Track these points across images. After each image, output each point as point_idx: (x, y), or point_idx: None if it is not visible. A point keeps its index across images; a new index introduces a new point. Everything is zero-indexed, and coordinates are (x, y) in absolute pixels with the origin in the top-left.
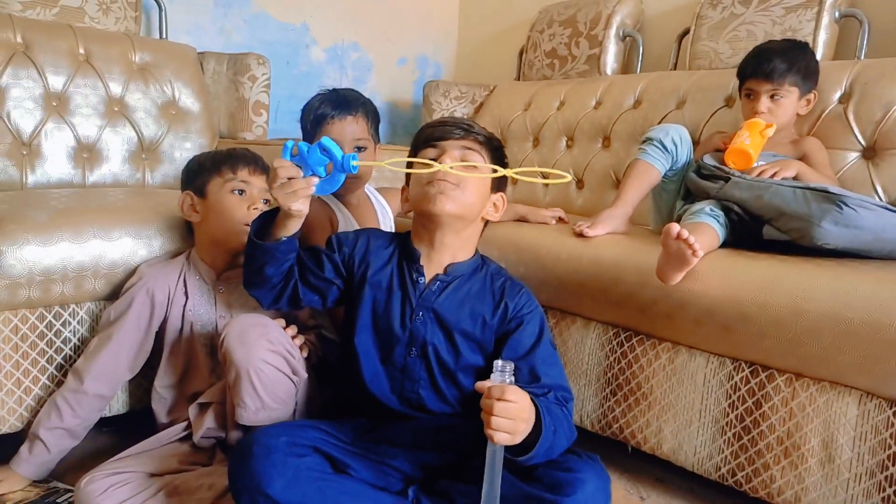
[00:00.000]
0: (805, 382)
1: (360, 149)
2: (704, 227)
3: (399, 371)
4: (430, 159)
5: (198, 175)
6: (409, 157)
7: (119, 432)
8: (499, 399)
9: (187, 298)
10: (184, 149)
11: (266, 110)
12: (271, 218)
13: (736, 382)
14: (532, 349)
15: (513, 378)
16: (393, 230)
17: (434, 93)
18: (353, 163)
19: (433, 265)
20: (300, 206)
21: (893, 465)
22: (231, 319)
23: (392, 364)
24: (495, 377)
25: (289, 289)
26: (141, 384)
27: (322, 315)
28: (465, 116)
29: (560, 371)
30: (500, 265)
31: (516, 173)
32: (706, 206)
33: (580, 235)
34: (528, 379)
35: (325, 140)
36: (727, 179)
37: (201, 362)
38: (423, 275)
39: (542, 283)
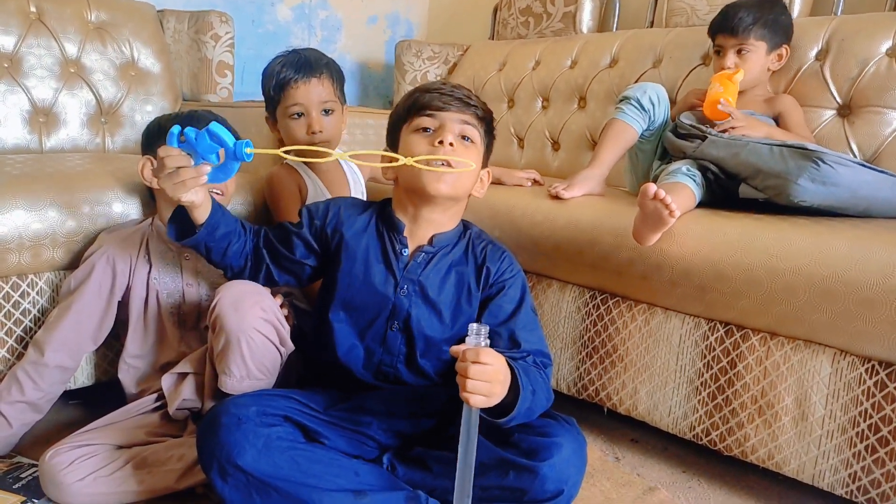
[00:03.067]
0: (779, 341)
1: (327, 111)
2: (681, 188)
3: (378, 344)
4: (426, 129)
5: (158, 138)
6: (393, 120)
7: (85, 405)
8: (474, 362)
9: (151, 266)
10: (145, 112)
11: (231, 71)
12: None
13: (711, 343)
14: (512, 315)
15: (488, 341)
16: (364, 196)
17: (406, 53)
18: (248, 150)
19: (416, 237)
20: (191, 198)
21: (864, 421)
22: (224, 284)
23: (371, 337)
24: (470, 340)
25: (262, 272)
26: (107, 355)
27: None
28: (439, 78)
29: (539, 336)
30: (480, 229)
31: (416, 161)
32: (682, 165)
33: (556, 197)
34: (507, 345)
35: (213, 125)
36: (704, 138)
37: (169, 332)
38: (406, 246)
39: (517, 246)
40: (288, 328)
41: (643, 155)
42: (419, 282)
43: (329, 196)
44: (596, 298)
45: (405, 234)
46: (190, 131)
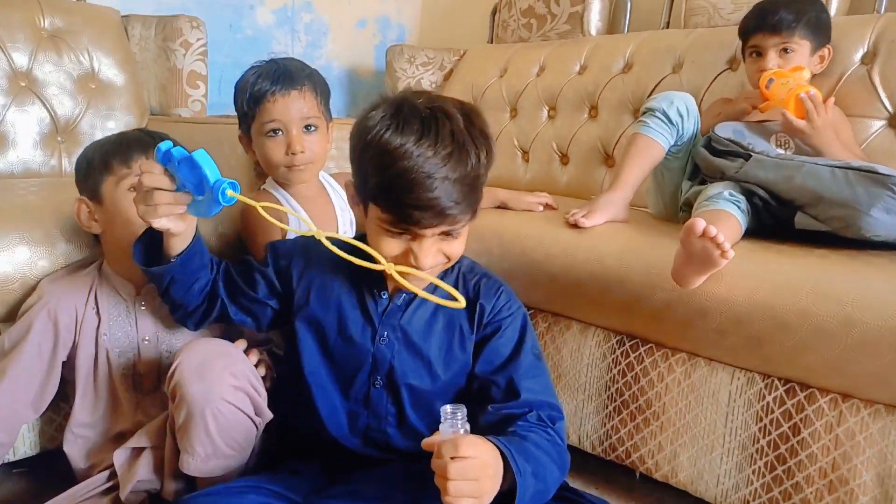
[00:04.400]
0: (854, 405)
1: (310, 128)
2: (725, 217)
3: (361, 405)
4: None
5: (88, 176)
6: (359, 181)
7: (31, 474)
8: (453, 458)
9: (100, 320)
10: (107, 129)
11: (204, 82)
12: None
13: (768, 403)
14: (510, 359)
15: (467, 426)
16: (353, 224)
17: (398, 59)
18: (230, 193)
19: None
20: (165, 224)
21: None
22: (186, 344)
23: (352, 397)
24: (444, 429)
25: (215, 311)
26: (53, 420)
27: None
28: (433, 86)
29: (545, 384)
30: (473, 261)
31: (398, 271)
32: (724, 189)
33: (574, 226)
34: (504, 396)
35: (198, 154)
36: (748, 157)
37: (122, 398)
38: (385, 287)
39: (531, 281)
40: (265, 395)
41: (670, 174)
42: (401, 327)
43: (313, 226)
44: (625, 344)
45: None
46: (177, 152)
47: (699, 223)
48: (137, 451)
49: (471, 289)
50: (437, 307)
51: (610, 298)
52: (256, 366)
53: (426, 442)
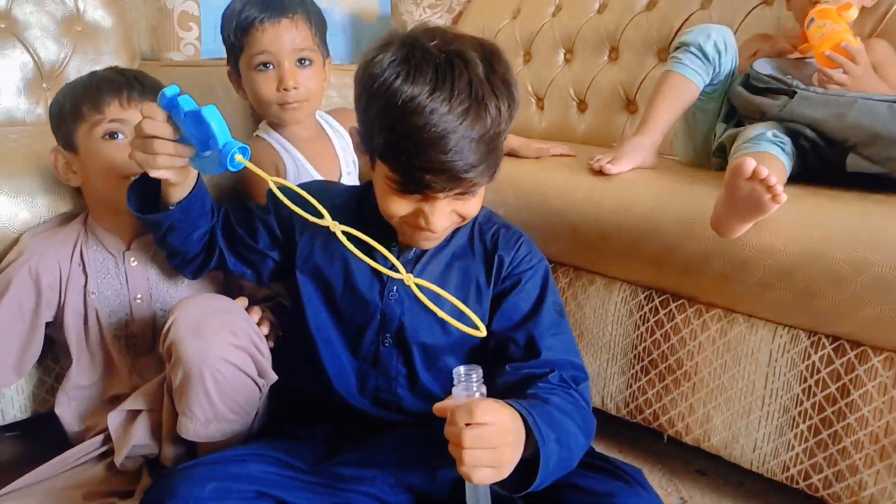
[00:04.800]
0: None
1: (304, 62)
2: (769, 159)
3: (370, 365)
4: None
5: (60, 124)
6: (365, 134)
7: (24, 437)
8: (468, 424)
9: (87, 278)
10: None
11: (196, 23)
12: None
13: (814, 362)
14: (530, 315)
15: (483, 389)
16: (357, 168)
17: (404, 1)
18: (238, 159)
19: None
20: (164, 175)
21: None
22: (182, 300)
23: (361, 356)
24: (458, 392)
25: (213, 260)
26: (44, 382)
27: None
28: (443, 22)
29: (567, 342)
30: (490, 210)
31: (416, 283)
32: (766, 129)
33: (599, 173)
34: (523, 355)
35: (208, 110)
36: (792, 94)
37: (116, 360)
38: (395, 239)
39: (551, 233)
40: (268, 355)
41: (703, 116)
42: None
43: (314, 172)
44: (654, 300)
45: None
46: (186, 101)
47: (748, 162)
48: (133, 414)
49: (488, 240)
50: (452, 259)
51: (638, 251)
52: (259, 324)
53: (438, 407)
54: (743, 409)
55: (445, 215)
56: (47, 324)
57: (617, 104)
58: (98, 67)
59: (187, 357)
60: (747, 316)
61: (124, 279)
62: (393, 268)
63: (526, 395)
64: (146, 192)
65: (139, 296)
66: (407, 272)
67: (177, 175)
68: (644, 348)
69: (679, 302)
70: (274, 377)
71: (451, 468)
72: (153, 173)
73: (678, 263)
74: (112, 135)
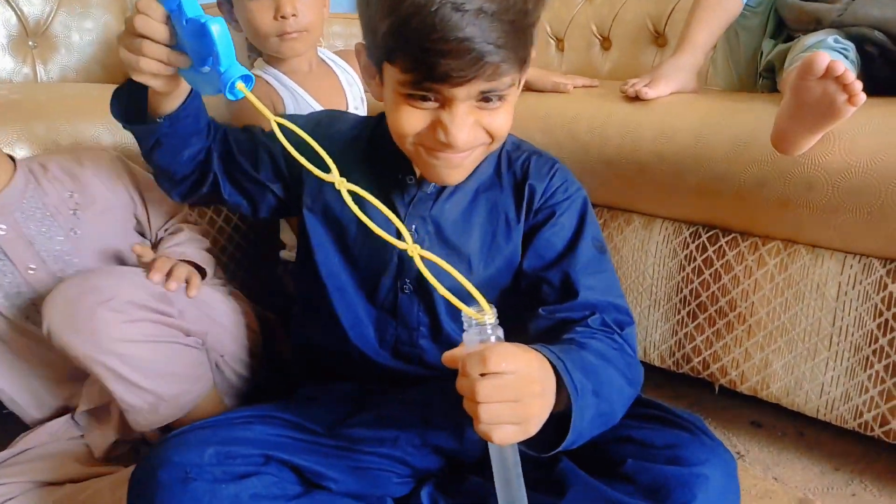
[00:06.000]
0: None
1: None
2: None
3: (388, 314)
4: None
5: None
6: (370, 43)
7: None
8: (483, 374)
9: None
10: (84, 30)
11: None
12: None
13: (891, 293)
14: (566, 252)
15: (500, 332)
16: (365, 104)
17: None
18: (240, 87)
19: None
20: (147, 81)
21: None
22: (52, 292)
23: (378, 305)
24: (469, 338)
25: (205, 185)
26: None
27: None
28: None
29: (609, 282)
30: (519, 139)
31: (420, 255)
32: (826, 36)
33: (636, 98)
34: (559, 297)
35: (213, 25)
36: None
37: (35, 350)
38: (412, 172)
39: (582, 170)
40: (193, 312)
41: (747, 34)
42: (432, 219)
43: (317, 106)
44: (701, 237)
45: None
46: (191, 7)
47: (821, 57)
48: (95, 411)
49: (518, 169)
50: (477, 191)
51: (683, 182)
52: (169, 276)
53: (447, 356)
54: (807, 351)
55: (468, 126)
56: None
57: (644, 39)
58: (87, 22)
59: (76, 355)
60: (811, 246)
61: (2, 252)
62: (400, 236)
63: (561, 340)
64: (134, 99)
65: (31, 266)
66: (429, 209)
67: (165, 84)
68: (691, 291)
69: (730, 236)
70: (206, 330)
71: None
72: (137, 77)
73: (730, 192)
74: None
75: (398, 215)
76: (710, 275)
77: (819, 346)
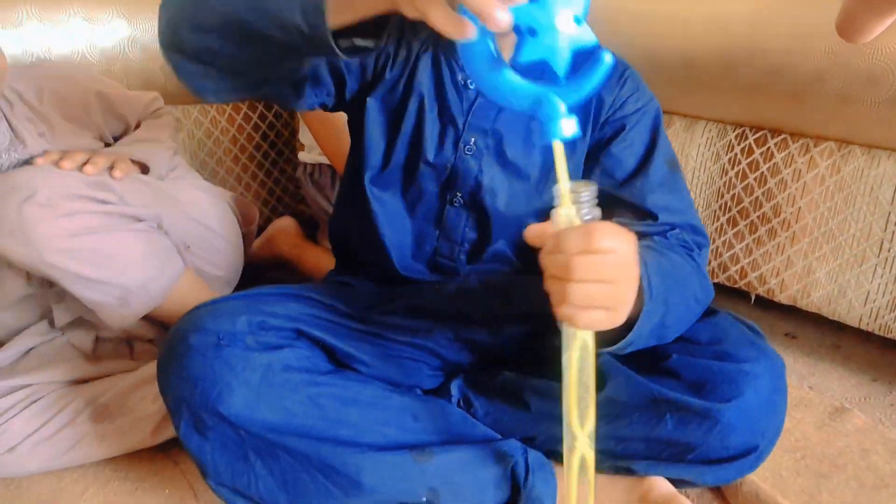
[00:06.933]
0: None
1: None
2: None
3: (432, 226)
4: None
5: None
6: None
7: None
8: (584, 252)
9: None
10: None
11: None
12: None
13: None
14: (639, 171)
15: (597, 212)
16: None
17: None
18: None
19: None
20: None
21: None
22: None
23: (423, 215)
24: (561, 215)
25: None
26: None
27: None
28: None
29: (686, 201)
30: None
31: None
32: None
33: None
34: (630, 216)
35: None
36: None
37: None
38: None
39: None
40: (137, 199)
41: None
42: (494, 131)
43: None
44: (748, 138)
45: None
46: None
47: None
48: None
49: None
50: None
51: (733, 78)
52: (112, 168)
53: (533, 230)
54: (854, 257)
55: None
56: None
57: None
58: None
59: (21, 262)
60: (867, 147)
61: None
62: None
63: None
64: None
65: None
66: (492, 120)
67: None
68: (733, 196)
69: (780, 138)
70: (161, 211)
71: (519, 324)
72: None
73: (784, 89)
74: None
75: (455, 125)
76: (755, 179)
77: (868, 252)
